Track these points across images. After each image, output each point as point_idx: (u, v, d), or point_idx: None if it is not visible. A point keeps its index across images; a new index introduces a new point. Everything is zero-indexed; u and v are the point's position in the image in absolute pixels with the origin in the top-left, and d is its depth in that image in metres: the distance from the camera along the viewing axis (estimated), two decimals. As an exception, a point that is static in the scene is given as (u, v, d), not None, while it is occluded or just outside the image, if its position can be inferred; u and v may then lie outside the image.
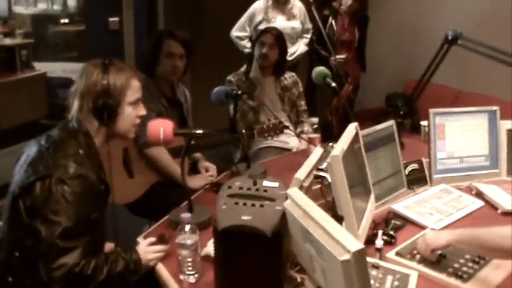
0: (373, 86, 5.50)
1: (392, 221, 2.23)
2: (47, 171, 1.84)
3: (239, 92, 2.99)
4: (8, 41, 5.64)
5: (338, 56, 4.68)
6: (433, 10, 5.08)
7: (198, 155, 3.25)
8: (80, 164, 1.88)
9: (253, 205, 1.62)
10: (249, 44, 4.65)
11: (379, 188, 2.38)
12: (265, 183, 1.71)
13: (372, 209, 2.12)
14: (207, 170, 3.17)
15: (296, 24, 4.77)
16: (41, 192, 1.82)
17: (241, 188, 1.70)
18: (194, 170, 3.23)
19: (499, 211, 2.38)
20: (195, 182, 2.96)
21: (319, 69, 3.10)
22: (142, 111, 2.09)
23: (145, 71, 3.13)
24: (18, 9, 7.90)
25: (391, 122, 2.53)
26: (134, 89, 2.05)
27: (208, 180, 2.99)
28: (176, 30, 3.24)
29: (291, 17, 4.75)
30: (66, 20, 7.75)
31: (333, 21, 4.84)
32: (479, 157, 2.75)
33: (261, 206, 1.62)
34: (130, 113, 2.05)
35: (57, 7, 8.00)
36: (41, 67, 6.28)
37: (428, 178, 2.65)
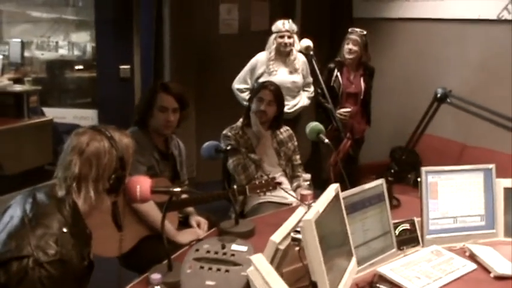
0: (377, 139, 5.44)
1: (378, 285, 2.15)
2: (25, 251, 1.73)
3: (228, 148, 2.96)
4: (17, 88, 5.69)
5: (343, 110, 4.65)
6: (438, 65, 5.06)
7: (190, 209, 3.21)
8: (61, 246, 1.76)
9: (218, 270, 1.58)
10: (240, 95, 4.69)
11: (366, 249, 2.31)
12: (234, 247, 1.66)
13: (352, 272, 2.05)
14: (198, 225, 3.12)
15: (297, 78, 4.76)
16: (17, 272, 1.71)
17: (208, 252, 1.65)
18: (186, 224, 3.18)
19: (492, 275, 2.28)
20: (184, 237, 2.91)
21: (313, 125, 3.08)
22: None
23: (137, 123, 3.12)
24: (36, 54, 8.07)
25: (380, 181, 2.46)
26: (132, 150, 2.01)
27: (198, 235, 2.94)
28: (171, 83, 3.26)
29: (293, 70, 4.75)
30: (81, 67, 7.87)
31: (339, 74, 4.80)
32: (475, 217, 2.66)
33: (227, 271, 1.57)
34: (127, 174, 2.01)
35: (77, 53, 8.15)
36: (52, 113, 6.34)
37: (420, 239, 2.56)
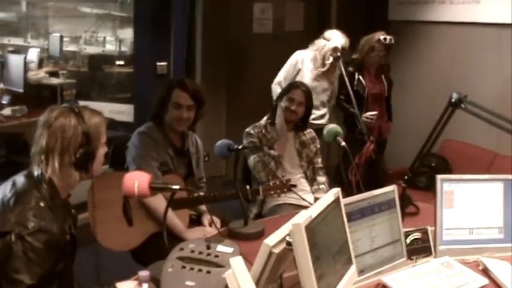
0: (406, 144, 5.31)
1: (380, 295, 2.07)
2: (6, 228, 1.80)
3: (240, 147, 2.92)
4: (52, 80, 5.80)
5: (370, 113, 4.55)
6: (472, 69, 4.91)
7: (203, 207, 3.18)
8: (40, 217, 1.84)
9: (200, 270, 1.54)
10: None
11: (372, 257, 2.23)
12: (220, 248, 1.62)
13: (350, 281, 1.98)
14: (210, 224, 3.09)
15: (330, 89, 4.72)
16: (2, 248, 1.79)
17: (193, 251, 1.62)
18: (198, 222, 3.15)
19: (504, 292, 2.18)
20: (193, 234, 2.90)
21: (330, 127, 3.02)
22: (105, 148, 2.10)
23: (153, 118, 3.11)
24: (80, 48, 8.22)
25: (392, 187, 2.37)
26: (104, 130, 2.05)
27: (207, 234, 2.91)
28: (187, 80, 3.22)
29: (330, 82, 4.70)
30: (122, 62, 7.97)
31: (360, 77, 4.70)
32: (492, 229, 2.54)
33: (208, 272, 1.53)
34: (101, 154, 2.06)
35: (123, 48, 8.27)
36: (90, 107, 6.40)
37: (432, 249, 2.47)
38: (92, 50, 8.31)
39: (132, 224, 2.87)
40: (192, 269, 1.54)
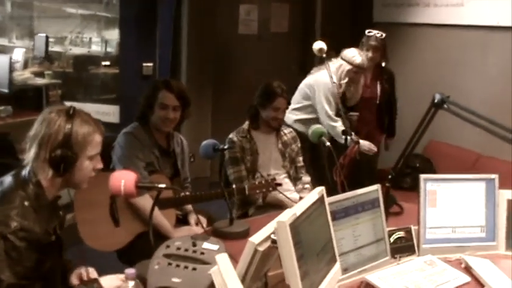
0: (396, 145, 5.35)
1: (363, 293, 2.10)
2: None
3: (226, 147, 2.94)
4: (37, 81, 5.78)
5: (351, 113, 4.58)
6: (456, 71, 4.98)
7: (189, 207, 3.20)
8: (23, 217, 1.84)
9: (186, 267, 1.56)
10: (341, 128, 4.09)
11: (356, 255, 2.26)
12: (205, 245, 1.64)
13: (334, 278, 2.00)
14: (197, 223, 3.11)
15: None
16: None
17: (179, 249, 1.64)
18: (184, 221, 3.17)
19: (485, 290, 2.21)
20: (180, 234, 2.90)
21: (315, 128, 3.04)
22: (99, 164, 2.07)
23: (139, 119, 3.12)
24: (65, 49, 8.19)
25: (375, 187, 2.40)
26: (95, 144, 2.03)
27: (194, 233, 2.92)
28: (173, 80, 3.25)
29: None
30: (108, 63, 7.94)
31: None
32: (474, 228, 2.58)
33: (194, 269, 1.55)
34: (87, 166, 2.02)
35: (109, 49, 8.24)
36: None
37: (416, 247, 2.50)
38: (77, 50, 8.27)
39: (119, 225, 2.87)
40: (178, 266, 1.56)
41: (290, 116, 4.34)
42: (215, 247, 1.63)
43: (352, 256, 2.25)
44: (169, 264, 1.57)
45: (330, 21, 5.72)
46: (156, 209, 2.92)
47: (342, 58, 4.39)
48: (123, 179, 2.08)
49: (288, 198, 3.26)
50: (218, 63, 5.98)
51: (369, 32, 4.70)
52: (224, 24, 5.97)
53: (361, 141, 4.08)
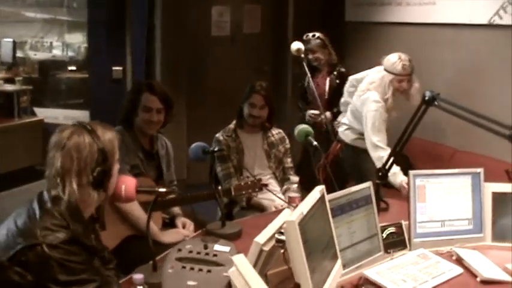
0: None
1: (363, 288, 2.14)
2: (34, 240, 1.76)
3: (215, 149, 2.95)
4: (8, 87, 5.68)
5: (311, 111, 4.63)
6: (429, 69, 5.06)
7: (176, 210, 3.20)
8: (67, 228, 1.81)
9: (200, 270, 1.57)
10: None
11: (352, 251, 2.30)
12: (217, 247, 1.65)
13: (337, 275, 2.03)
14: (184, 226, 3.11)
15: None
16: (35, 259, 1.74)
17: (191, 252, 1.64)
18: (171, 225, 3.16)
19: (478, 279, 2.27)
20: (167, 236, 2.92)
21: (301, 128, 3.06)
22: (118, 165, 2.04)
23: (123, 122, 3.12)
24: (29, 54, 8.05)
25: (367, 184, 2.45)
26: (117, 143, 2.00)
27: (182, 236, 2.93)
28: (155, 83, 3.27)
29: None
30: (74, 67, 7.84)
31: (310, 77, 4.68)
32: (462, 221, 2.65)
33: (209, 271, 1.56)
34: (116, 170, 2.00)
35: (71, 53, 8.13)
36: (43, 113, 6.33)
37: (407, 242, 2.55)
38: (40, 55, 8.15)
39: (105, 228, 2.85)
40: (192, 268, 1.56)
41: (348, 134, 4.16)
42: (227, 248, 1.64)
43: (349, 252, 2.29)
44: (183, 267, 1.57)
45: (302, 21, 5.74)
46: (142, 211, 2.94)
47: (384, 69, 3.86)
48: (124, 184, 2.07)
49: (279, 197, 3.29)
50: (192, 65, 5.97)
51: (306, 36, 4.77)
52: (197, 26, 5.96)
53: None
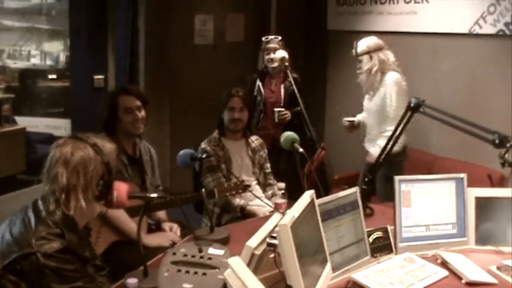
0: (345, 152, 5.44)
1: (351, 291, 2.17)
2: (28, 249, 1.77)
3: (203, 156, 2.98)
4: (-12, 96, 5.65)
5: (278, 109, 4.58)
6: (410, 78, 5.14)
7: (162, 216, 3.21)
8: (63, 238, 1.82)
9: (195, 273, 1.59)
10: None
11: (340, 256, 2.34)
12: (211, 250, 1.67)
13: (327, 278, 2.07)
14: (171, 229, 3.13)
15: None
16: (30, 268, 1.75)
17: (185, 255, 1.66)
18: (158, 229, 3.18)
19: (463, 281, 2.32)
20: (153, 239, 2.94)
21: (287, 135, 3.09)
22: None
23: (104, 129, 3.13)
24: (7, 63, 7.99)
25: (354, 189, 2.49)
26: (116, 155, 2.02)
27: (169, 239, 2.95)
28: (128, 85, 3.32)
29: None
30: (54, 76, 7.80)
31: (260, 84, 4.73)
32: (446, 225, 2.70)
33: (204, 274, 1.58)
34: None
35: (49, 62, 8.08)
36: (25, 122, 6.28)
37: (393, 246, 2.59)
38: (20, 64, 8.10)
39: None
40: (187, 272, 1.58)
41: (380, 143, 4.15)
42: (221, 252, 1.67)
43: (337, 256, 2.32)
44: (179, 270, 1.59)
45: (284, 30, 5.75)
46: (127, 216, 2.95)
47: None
48: (115, 190, 2.08)
49: (266, 203, 3.33)
50: (175, 73, 5.99)
51: (266, 38, 4.77)
52: (180, 35, 5.98)
53: None
